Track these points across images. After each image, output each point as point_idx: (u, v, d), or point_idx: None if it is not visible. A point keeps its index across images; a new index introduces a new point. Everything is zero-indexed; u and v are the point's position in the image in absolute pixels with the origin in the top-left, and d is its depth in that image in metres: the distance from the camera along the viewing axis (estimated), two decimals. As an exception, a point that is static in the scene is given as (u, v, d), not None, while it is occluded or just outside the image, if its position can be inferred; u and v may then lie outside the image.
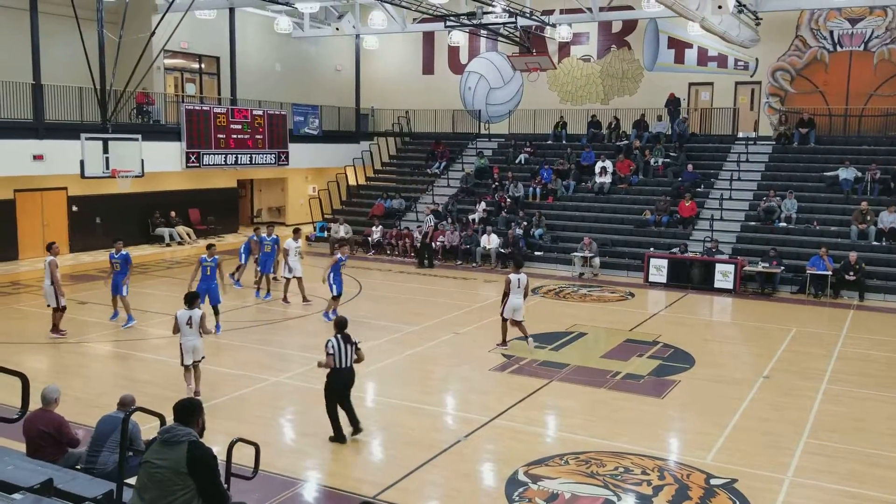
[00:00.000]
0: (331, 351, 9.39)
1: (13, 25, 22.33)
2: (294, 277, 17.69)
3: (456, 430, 10.20)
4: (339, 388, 9.50)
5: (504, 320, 14.03)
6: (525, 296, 14.00)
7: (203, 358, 11.30)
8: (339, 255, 16.47)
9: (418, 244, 24.16)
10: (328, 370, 9.51)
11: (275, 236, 18.51)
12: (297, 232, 18.22)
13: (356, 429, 9.66)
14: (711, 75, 28.57)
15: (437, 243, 24.36)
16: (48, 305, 14.46)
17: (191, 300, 11.16)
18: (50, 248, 14.61)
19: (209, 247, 15.17)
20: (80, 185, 22.35)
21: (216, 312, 14.80)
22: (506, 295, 13.91)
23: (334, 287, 16.01)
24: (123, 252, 15.69)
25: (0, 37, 22.70)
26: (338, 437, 9.55)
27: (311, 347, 14.03)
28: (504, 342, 14.20)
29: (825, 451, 9.62)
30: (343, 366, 9.45)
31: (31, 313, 16.53)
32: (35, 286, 19.15)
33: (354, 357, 9.59)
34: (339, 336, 9.50)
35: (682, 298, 19.42)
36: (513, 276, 13.88)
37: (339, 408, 9.59)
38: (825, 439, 9.97)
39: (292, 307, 17.49)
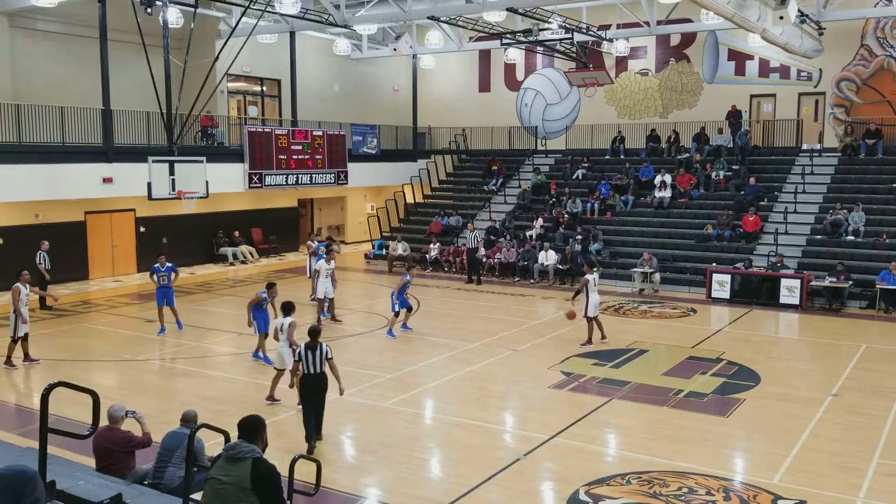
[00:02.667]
0: (296, 358, 10.03)
1: (84, 53, 23.29)
2: (328, 298, 17.56)
3: (515, 448, 10.15)
4: (310, 391, 9.86)
5: (589, 320, 15.37)
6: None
7: (282, 370, 11.72)
8: (407, 277, 16.81)
9: (464, 261, 24.25)
10: (301, 375, 9.95)
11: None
12: (329, 253, 17.94)
13: (311, 441, 9.89)
14: (774, 86, 28.01)
15: (494, 260, 24.36)
16: (10, 337, 13.87)
17: (286, 309, 11.87)
18: (18, 274, 14.05)
19: (271, 286, 14.65)
20: (147, 206, 23.04)
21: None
22: (578, 293, 15.78)
23: (397, 305, 16.48)
24: (169, 264, 16.64)
25: (72, 64, 23.70)
26: (307, 439, 9.86)
27: (370, 365, 14.17)
28: (590, 341, 15.42)
29: (900, 473, 9.28)
30: (311, 371, 9.85)
31: (100, 331, 17.06)
32: (104, 305, 19.80)
33: (324, 365, 9.92)
34: (306, 344, 9.95)
35: (746, 314, 18.99)
36: (589, 276, 15.45)
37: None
38: (899, 461, 9.62)
39: (347, 325, 17.66)
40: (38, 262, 18.69)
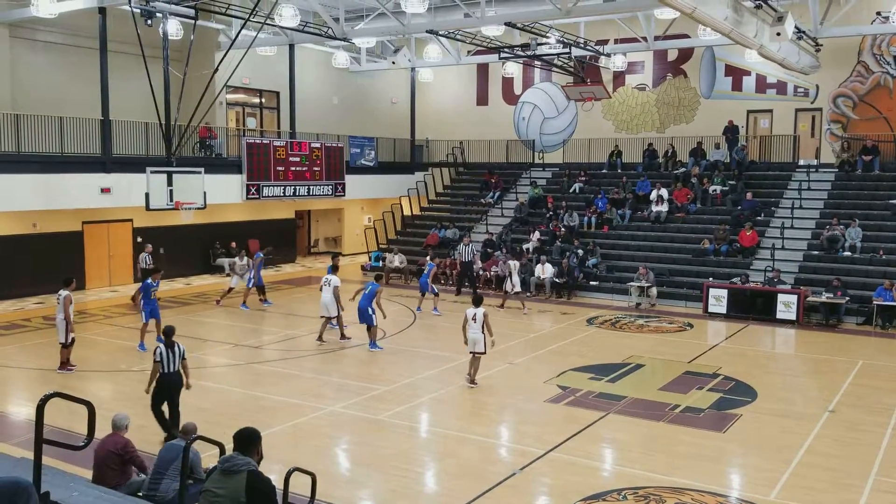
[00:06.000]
0: (157, 358, 10.40)
1: (84, 64, 23.32)
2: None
3: (511, 463, 10.12)
4: (168, 390, 10.39)
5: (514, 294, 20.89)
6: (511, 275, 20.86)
7: (482, 352, 13.36)
8: (430, 264, 21.03)
9: (457, 273, 24.45)
10: (157, 375, 10.41)
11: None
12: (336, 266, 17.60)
13: (173, 431, 10.07)
14: (770, 102, 28.13)
15: (491, 272, 24.35)
16: (62, 343, 14.16)
17: (478, 301, 13.53)
18: (67, 282, 14.27)
19: (379, 277, 17.13)
20: (144, 216, 23.02)
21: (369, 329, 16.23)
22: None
23: (434, 287, 20.33)
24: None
25: (72, 75, 23.74)
26: (166, 431, 10.28)
27: (366, 377, 14.15)
28: (501, 306, 20.87)
29: (896, 489, 9.27)
30: (170, 370, 10.39)
31: (97, 342, 17.00)
32: (100, 315, 19.74)
33: (180, 364, 10.51)
34: (165, 343, 10.45)
35: (742, 330, 18.99)
36: (511, 263, 21.11)
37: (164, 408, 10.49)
38: (896, 477, 9.61)
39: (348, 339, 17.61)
40: (141, 263, 20.59)
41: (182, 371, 10.56)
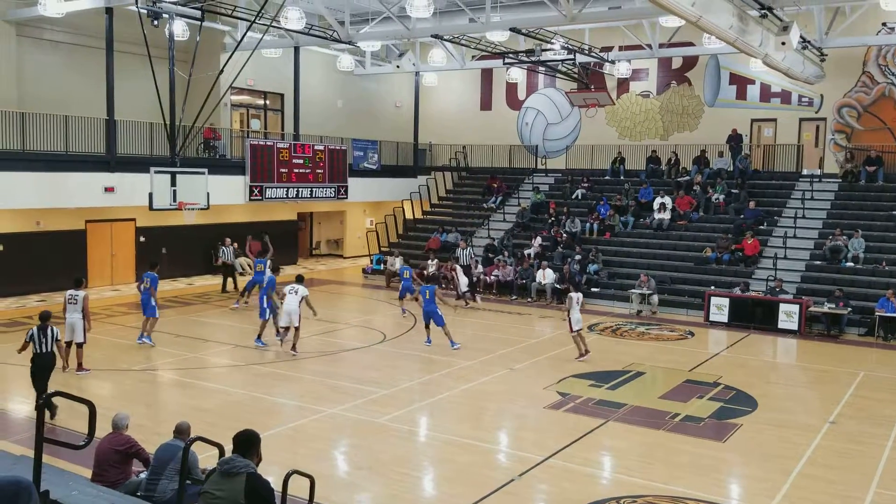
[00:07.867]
0: (27, 339, 11.54)
1: (90, 63, 23.38)
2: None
3: (509, 469, 10.10)
4: (41, 367, 11.42)
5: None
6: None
7: (579, 330, 15.76)
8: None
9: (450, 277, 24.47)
10: (32, 354, 11.49)
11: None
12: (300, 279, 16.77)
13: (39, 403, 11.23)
14: (775, 111, 28.13)
15: (491, 277, 24.36)
16: (68, 342, 13.78)
17: (578, 286, 16.77)
18: (79, 283, 14.30)
19: (430, 279, 18.81)
20: (147, 216, 23.04)
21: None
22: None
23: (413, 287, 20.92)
24: None
25: (77, 74, 23.79)
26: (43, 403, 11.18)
27: (365, 381, 14.13)
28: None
29: (896, 502, 9.25)
30: (42, 351, 11.47)
31: (98, 341, 16.97)
32: (102, 314, 19.74)
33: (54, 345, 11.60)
34: (38, 327, 11.50)
35: (743, 339, 18.96)
36: (457, 266, 23.02)
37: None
38: (896, 489, 9.59)
39: (344, 340, 17.61)
40: (222, 257, 22.46)
41: (56, 352, 11.71)
